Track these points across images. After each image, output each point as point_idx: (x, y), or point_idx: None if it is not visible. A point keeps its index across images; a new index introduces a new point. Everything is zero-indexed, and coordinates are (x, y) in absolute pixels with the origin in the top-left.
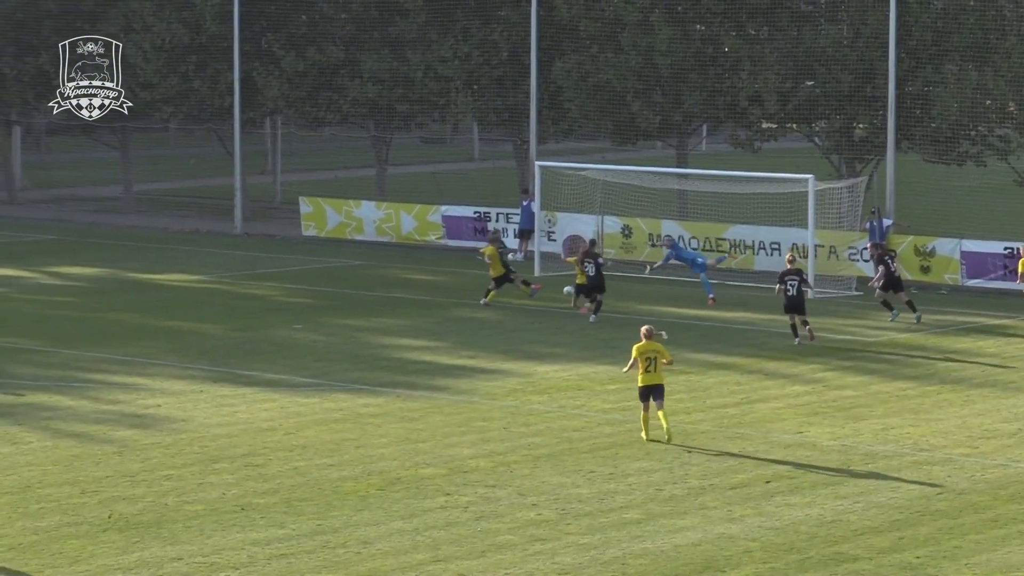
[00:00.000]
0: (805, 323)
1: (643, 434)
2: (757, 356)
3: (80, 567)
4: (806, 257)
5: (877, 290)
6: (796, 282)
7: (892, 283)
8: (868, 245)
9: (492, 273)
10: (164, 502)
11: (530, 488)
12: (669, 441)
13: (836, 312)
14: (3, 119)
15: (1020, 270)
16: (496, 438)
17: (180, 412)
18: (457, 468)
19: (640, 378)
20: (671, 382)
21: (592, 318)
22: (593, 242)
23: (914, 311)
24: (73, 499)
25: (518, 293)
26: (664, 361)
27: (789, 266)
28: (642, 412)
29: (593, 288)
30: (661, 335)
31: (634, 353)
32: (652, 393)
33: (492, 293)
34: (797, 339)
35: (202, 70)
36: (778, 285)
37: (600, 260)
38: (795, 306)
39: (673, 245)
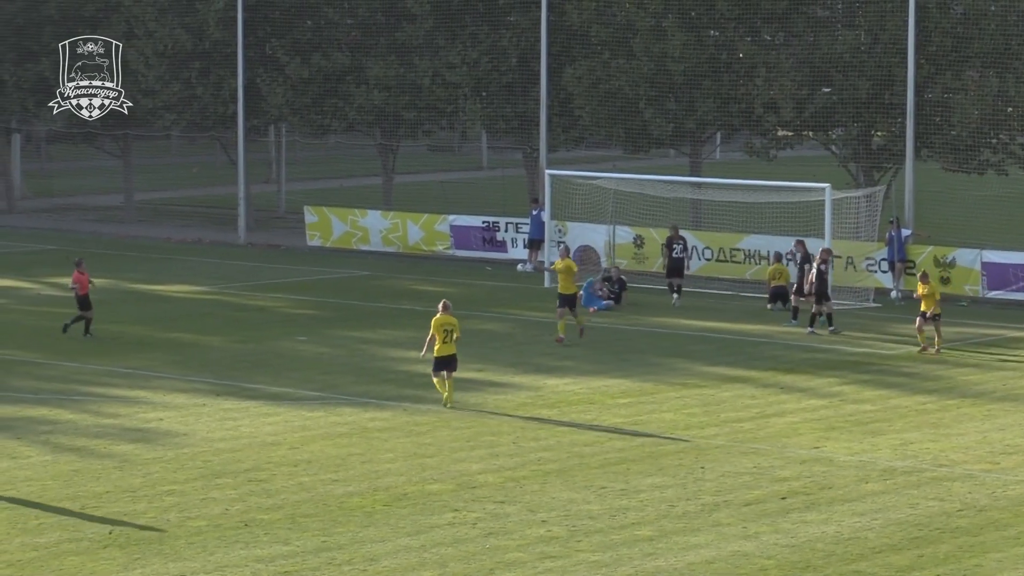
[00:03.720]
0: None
1: (445, 401)
2: (773, 369)
3: None
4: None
5: (804, 295)
6: (680, 246)
7: (823, 291)
8: (794, 242)
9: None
10: (166, 518)
11: (540, 504)
12: (447, 406)
13: (854, 324)
14: (3, 126)
15: (917, 291)
16: (505, 453)
17: (182, 426)
18: (465, 483)
19: (437, 349)
20: (684, 395)
21: (676, 302)
22: (675, 226)
23: (831, 324)
24: (73, 515)
25: (530, 306)
26: (456, 335)
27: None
28: (436, 380)
29: (673, 271)
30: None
31: (432, 327)
32: (448, 364)
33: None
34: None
35: (205, 77)
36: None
37: (681, 244)
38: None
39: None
